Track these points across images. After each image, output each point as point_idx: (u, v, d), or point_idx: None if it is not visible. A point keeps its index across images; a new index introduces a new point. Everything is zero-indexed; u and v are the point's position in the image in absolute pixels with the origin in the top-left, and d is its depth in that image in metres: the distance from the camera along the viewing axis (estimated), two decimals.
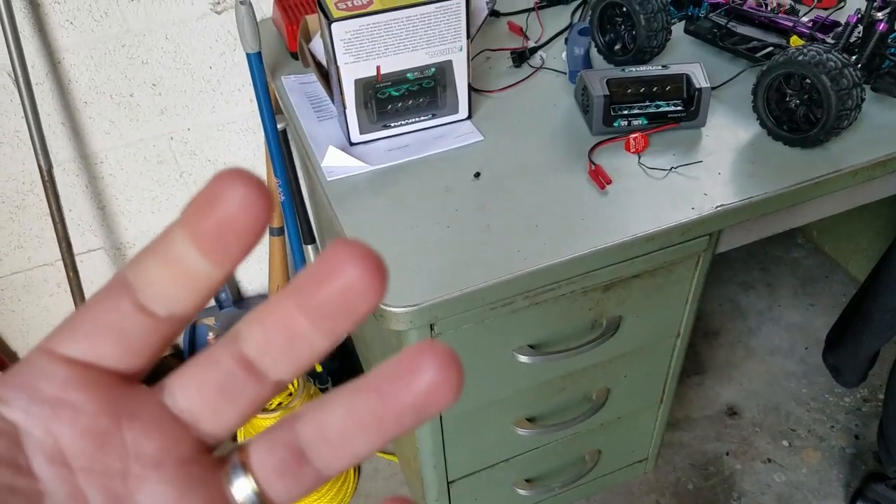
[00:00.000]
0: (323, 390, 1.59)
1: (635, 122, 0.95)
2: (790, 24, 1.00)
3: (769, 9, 1.03)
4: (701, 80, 0.93)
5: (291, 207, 1.26)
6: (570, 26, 1.18)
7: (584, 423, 1.07)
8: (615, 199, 0.86)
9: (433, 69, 0.95)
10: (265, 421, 1.31)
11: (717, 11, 1.07)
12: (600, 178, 0.88)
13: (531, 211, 0.85)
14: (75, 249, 1.45)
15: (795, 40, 0.97)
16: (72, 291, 1.36)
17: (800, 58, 0.85)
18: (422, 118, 0.99)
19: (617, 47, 1.09)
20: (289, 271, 1.61)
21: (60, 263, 1.35)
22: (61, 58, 1.23)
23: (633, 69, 0.96)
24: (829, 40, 0.94)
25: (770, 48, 0.99)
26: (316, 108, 1.05)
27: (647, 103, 0.95)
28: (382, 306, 0.74)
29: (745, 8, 1.04)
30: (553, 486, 1.15)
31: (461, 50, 0.94)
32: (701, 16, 1.09)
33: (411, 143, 0.98)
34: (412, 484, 1.25)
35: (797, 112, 0.89)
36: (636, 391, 1.09)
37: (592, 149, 0.94)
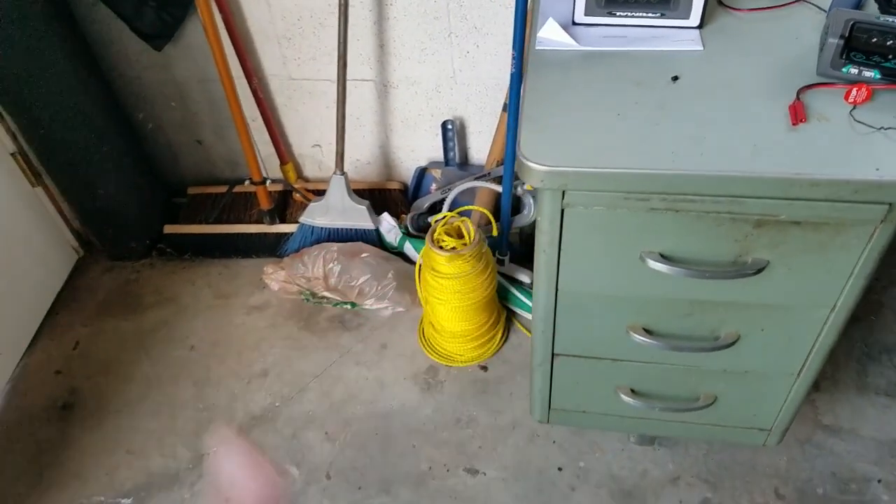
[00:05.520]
0: (499, 261, 1.75)
1: (866, 73, 0.87)
2: None
3: None
4: None
5: (518, 82, 1.37)
6: None
7: (705, 358, 1.08)
8: (801, 136, 0.83)
9: None
10: (439, 258, 1.51)
11: None
12: (797, 114, 0.85)
13: (708, 123, 0.86)
14: (351, 76, 1.74)
15: None
16: (337, 108, 1.66)
17: None
18: (650, 14, 1.01)
19: None
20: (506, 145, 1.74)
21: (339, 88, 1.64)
22: None
23: (892, 19, 0.87)
24: None
25: None
26: None
27: (891, 59, 0.86)
28: (523, 159, 0.84)
29: None
30: (655, 406, 1.18)
31: None
32: None
33: (628, 36, 1.01)
34: None
35: None
36: (771, 352, 1.06)
37: (808, 87, 0.89)
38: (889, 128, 0.82)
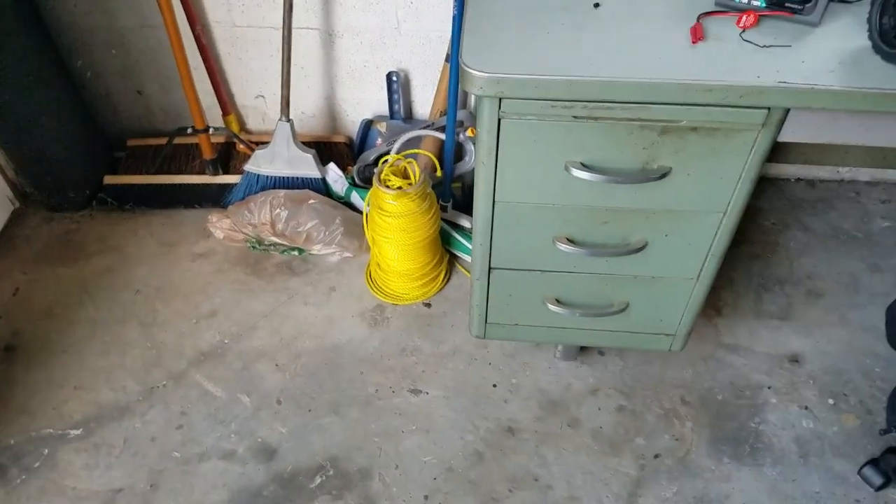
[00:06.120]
0: (443, 208, 1.86)
1: (755, 3, 1.03)
2: None
3: None
4: None
5: (460, 25, 1.47)
6: None
7: (618, 263, 1.22)
8: (699, 52, 0.98)
9: None
10: (385, 196, 1.60)
11: None
12: (696, 34, 1.00)
13: (622, 41, 1.00)
14: (296, 24, 1.80)
15: None
16: (282, 52, 1.72)
17: None
18: None
19: None
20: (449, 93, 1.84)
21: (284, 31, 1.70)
22: None
23: None
24: None
25: None
26: None
27: None
28: (464, 67, 0.95)
29: None
30: (577, 313, 1.33)
31: None
32: None
33: None
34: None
35: None
36: (674, 256, 1.21)
37: (707, 13, 1.04)
38: (770, 46, 0.98)
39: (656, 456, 1.49)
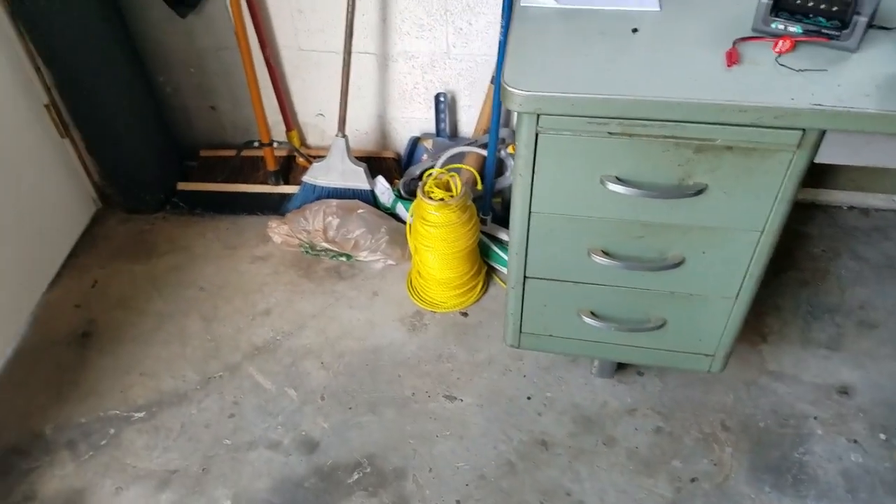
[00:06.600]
0: (482, 221, 1.91)
1: (791, 28, 1.06)
2: None
3: None
4: (866, 10, 1.00)
5: (504, 51, 1.54)
6: None
7: (654, 278, 1.25)
8: (734, 76, 1.01)
9: None
10: (428, 206, 1.68)
11: None
12: (732, 57, 1.03)
13: (659, 63, 1.04)
14: (355, 49, 1.92)
15: None
16: (342, 75, 1.83)
17: None
18: None
19: None
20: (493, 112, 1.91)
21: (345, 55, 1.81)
22: None
23: None
24: None
25: None
26: None
27: (811, 17, 1.05)
28: (506, 86, 1.01)
29: None
30: (612, 327, 1.35)
31: None
32: None
33: None
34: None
35: None
36: (711, 274, 1.23)
37: (743, 38, 1.07)
38: (806, 70, 1.00)
39: (693, 480, 1.48)
